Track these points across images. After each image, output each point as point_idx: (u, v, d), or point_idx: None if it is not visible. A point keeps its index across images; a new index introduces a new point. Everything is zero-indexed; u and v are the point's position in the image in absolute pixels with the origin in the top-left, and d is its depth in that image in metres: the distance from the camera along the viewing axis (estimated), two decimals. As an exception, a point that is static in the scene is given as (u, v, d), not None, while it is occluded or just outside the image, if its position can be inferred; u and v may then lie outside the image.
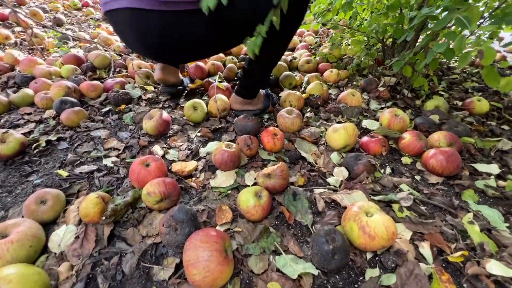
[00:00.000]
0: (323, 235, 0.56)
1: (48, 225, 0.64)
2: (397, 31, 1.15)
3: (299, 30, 2.25)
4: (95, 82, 1.18)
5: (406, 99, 1.29)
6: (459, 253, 0.58)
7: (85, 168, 0.79)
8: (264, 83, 1.19)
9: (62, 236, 0.61)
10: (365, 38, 1.47)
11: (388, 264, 0.57)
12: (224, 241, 0.54)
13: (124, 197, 0.67)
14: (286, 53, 1.79)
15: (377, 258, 0.59)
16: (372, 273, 0.55)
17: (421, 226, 0.64)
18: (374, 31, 1.26)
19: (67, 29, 2.14)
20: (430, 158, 0.83)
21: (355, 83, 1.45)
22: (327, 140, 0.93)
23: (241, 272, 0.56)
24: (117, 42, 1.83)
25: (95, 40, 1.79)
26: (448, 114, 1.15)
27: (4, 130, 0.83)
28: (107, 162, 0.83)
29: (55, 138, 0.91)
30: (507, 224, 0.66)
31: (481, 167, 0.86)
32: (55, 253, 0.58)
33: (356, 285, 0.54)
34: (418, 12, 0.96)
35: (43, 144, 0.88)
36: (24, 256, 0.54)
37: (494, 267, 0.54)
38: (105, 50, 1.60)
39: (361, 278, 0.55)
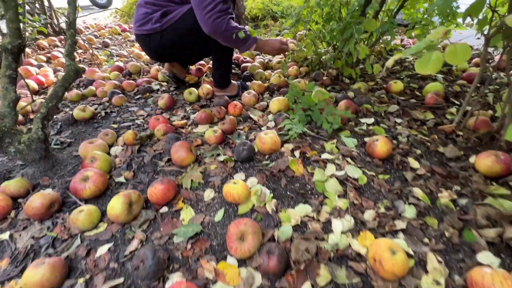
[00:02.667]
0: (240, 144, 1.11)
1: (110, 146, 1.26)
2: (331, 37, 1.67)
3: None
4: (131, 81, 1.85)
5: (342, 84, 1.78)
6: (314, 153, 1.09)
7: (126, 124, 1.42)
8: (225, 81, 1.72)
9: (116, 149, 1.23)
10: (319, 43, 1.99)
11: (273, 157, 1.09)
12: (190, 146, 1.11)
13: (146, 133, 1.28)
14: (265, 58, 2.35)
15: (267, 156, 1.11)
16: (265, 162, 1.09)
17: (301, 144, 1.16)
18: (317, 37, 1.78)
19: (112, 49, 2.92)
20: (329, 115, 1.33)
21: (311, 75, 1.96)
22: (270, 107, 1.47)
23: (200, 162, 1.12)
24: (145, 56, 2.54)
25: (131, 55, 2.52)
26: (366, 92, 1.62)
27: (84, 105, 1.49)
28: (138, 121, 1.45)
29: (109, 111, 1.57)
30: (356, 145, 1.14)
31: (363, 120, 1.34)
32: (114, 155, 1.19)
33: (255, 167, 1.08)
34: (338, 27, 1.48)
35: (103, 114, 1.54)
36: (101, 152, 1.16)
37: (327, 155, 1.04)
38: (137, 61, 2.29)
39: (258, 164, 1.09)
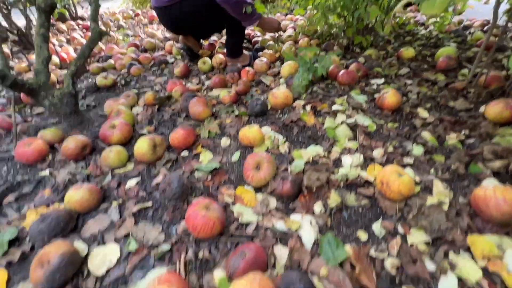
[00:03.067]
0: (254, 99, 1.17)
1: (131, 107, 1.35)
2: (342, 6, 1.68)
3: (291, 16, 2.85)
4: (147, 54, 1.93)
5: (353, 53, 1.79)
6: (325, 106, 1.13)
7: (144, 90, 1.50)
8: (237, 50, 1.78)
9: (137, 109, 1.31)
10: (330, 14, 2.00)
11: (285, 111, 1.15)
12: (207, 102, 1.18)
13: (164, 94, 1.35)
14: (276, 33, 2.39)
15: (280, 111, 1.17)
16: (279, 115, 1.14)
17: (311, 100, 1.20)
18: (328, 8, 1.80)
19: (126, 30, 3.01)
20: (340, 76, 1.37)
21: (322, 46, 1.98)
22: (281, 73, 1.52)
23: (216, 117, 1.19)
24: (159, 34, 2.61)
25: (146, 34, 2.60)
26: (377, 59, 1.64)
27: (105, 74, 1.58)
28: (156, 87, 1.53)
29: (128, 80, 1.66)
30: (366, 101, 1.18)
31: (373, 81, 1.36)
32: (136, 113, 1.28)
33: (268, 120, 1.13)
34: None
35: (123, 82, 1.62)
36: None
37: (337, 107, 1.09)
38: (152, 39, 2.37)
39: (271, 117, 1.14)
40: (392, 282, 0.57)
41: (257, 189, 0.81)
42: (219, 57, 1.72)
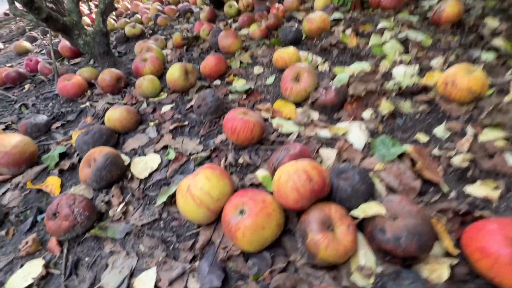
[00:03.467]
0: (287, 26, 1.07)
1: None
2: None
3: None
4: (172, 7, 1.88)
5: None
6: (368, 26, 1.00)
7: (172, 36, 1.47)
8: None
9: (166, 51, 1.28)
10: None
11: (322, 37, 1.03)
12: (236, 34, 1.10)
13: (191, 35, 1.30)
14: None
15: (316, 39, 1.06)
16: (315, 42, 1.04)
17: (352, 23, 1.07)
18: None
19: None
20: (383, 1, 1.19)
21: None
22: (315, 6, 1.37)
23: (247, 49, 1.12)
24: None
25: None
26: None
27: (133, 23, 1.57)
28: (183, 33, 1.48)
29: (155, 30, 1.63)
30: (416, 21, 1.02)
31: (424, 2, 1.17)
32: (165, 55, 1.25)
33: (304, 46, 1.03)
34: None
35: (150, 32, 1.60)
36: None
37: (384, 24, 0.95)
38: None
39: (307, 45, 1.04)
40: (461, 178, 0.49)
41: (297, 104, 0.75)
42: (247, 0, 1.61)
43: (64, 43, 1.46)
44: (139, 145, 0.74)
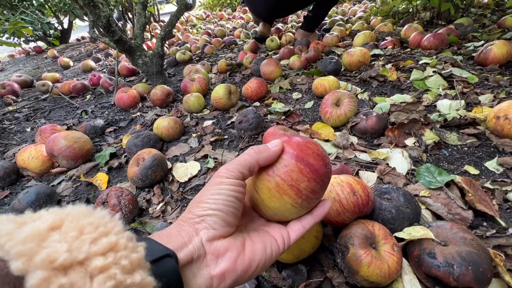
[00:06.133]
0: (327, 58, 1.13)
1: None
2: None
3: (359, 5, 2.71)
4: (219, 39, 2.08)
5: (438, 26, 1.59)
6: (410, 62, 1.02)
7: (217, 61, 1.61)
8: (317, 24, 1.76)
9: (211, 75, 1.40)
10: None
11: (361, 70, 1.07)
12: (278, 63, 1.19)
13: (235, 62, 1.42)
14: (344, 18, 2.30)
15: (355, 72, 1.09)
16: (354, 74, 1.07)
17: (393, 59, 1.09)
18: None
19: (200, 24, 3.33)
20: (425, 40, 1.22)
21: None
22: (354, 42, 1.44)
23: (286, 77, 1.19)
24: (227, 24, 2.80)
25: (216, 26, 2.82)
26: (473, 26, 1.42)
27: (183, 50, 1.75)
28: (227, 60, 1.62)
29: (202, 57, 1.80)
30: (461, 60, 1.02)
31: (469, 44, 1.18)
32: (210, 78, 1.37)
33: (343, 78, 1.07)
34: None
35: (197, 58, 1.77)
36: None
37: (426, 60, 0.96)
38: (222, 27, 2.56)
39: (345, 75, 1.08)
40: (521, 215, 0.45)
41: (335, 128, 0.76)
42: (289, 35, 1.73)
43: (123, 64, 1.66)
44: (181, 152, 0.79)
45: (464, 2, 1.63)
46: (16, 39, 3.06)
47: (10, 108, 1.37)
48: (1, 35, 2.06)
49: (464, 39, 1.25)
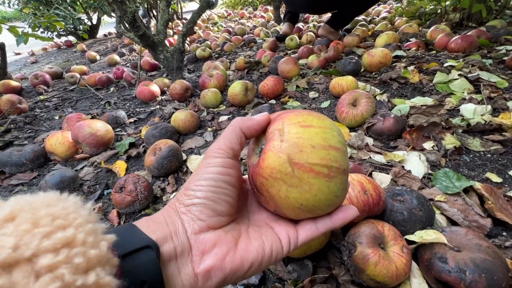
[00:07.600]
0: (346, 58, 1.11)
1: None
2: None
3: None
4: (239, 37, 2.10)
5: (468, 28, 1.52)
6: (434, 64, 0.98)
7: (236, 59, 1.62)
8: (345, 23, 1.72)
9: (229, 72, 1.42)
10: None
11: (382, 71, 1.04)
12: (296, 62, 1.18)
13: (254, 60, 1.43)
14: (367, 18, 2.24)
15: (375, 73, 1.06)
16: (374, 75, 1.05)
17: (416, 61, 1.06)
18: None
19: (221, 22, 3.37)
20: (452, 42, 1.17)
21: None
22: (376, 43, 1.40)
23: (304, 76, 1.18)
24: (247, 23, 2.81)
25: (237, 23, 2.85)
26: (507, 28, 1.34)
27: (203, 47, 1.79)
28: (246, 57, 1.63)
29: (222, 54, 1.82)
30: (490, 64, 0.97)
31: (500, 47, 1.11)
32: (228, 75, 1.39)
33: (362, 78, 1.05)
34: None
35: (216, 56, 1.80)
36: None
37: (451, 63, 0.92)
38: (242, 25, 2.58)
39: (365, 77, 1.06)
40: (545, 227, 0.43)
41: (351, 129, 0.75)
42: (310, 34, 1.72)
43: (145, 59, 1.72)
44: (196, 145, 0.81)
45: (499, 3, 1.54)
46: (49, 33, 3.26)
47: (42, 97, 1.46)
48: (37, 29, 2.19)
49: (496, 42, 1.18)
